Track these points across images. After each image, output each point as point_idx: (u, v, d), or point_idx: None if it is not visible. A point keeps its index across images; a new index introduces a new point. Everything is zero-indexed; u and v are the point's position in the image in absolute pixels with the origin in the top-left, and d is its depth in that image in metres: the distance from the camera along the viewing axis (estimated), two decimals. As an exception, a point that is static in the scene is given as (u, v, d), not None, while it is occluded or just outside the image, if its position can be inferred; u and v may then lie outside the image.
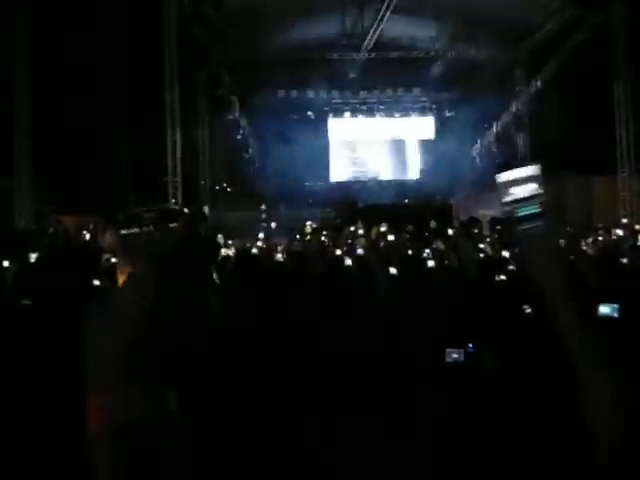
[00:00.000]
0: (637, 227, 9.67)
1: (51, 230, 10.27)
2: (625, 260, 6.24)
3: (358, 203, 14.70)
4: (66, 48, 11.80)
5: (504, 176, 1.28)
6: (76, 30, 11.93)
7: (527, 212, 1.24)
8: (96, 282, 5.20)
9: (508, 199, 1.26)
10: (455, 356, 3.09)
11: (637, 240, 8.65)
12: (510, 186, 1.27)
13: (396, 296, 5.07)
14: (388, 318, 4.15)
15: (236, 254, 7.13)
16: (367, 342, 3.65)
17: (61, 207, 12.35)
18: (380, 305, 4.62)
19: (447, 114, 18.33)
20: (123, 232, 1.69)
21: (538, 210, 1.23)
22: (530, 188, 1.26)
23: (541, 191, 1.25)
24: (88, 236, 9.71)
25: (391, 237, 8.76)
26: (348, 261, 5.47)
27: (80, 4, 11.57)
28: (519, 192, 1.26)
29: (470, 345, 3.15)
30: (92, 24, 12.17)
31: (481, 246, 8.34)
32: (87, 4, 11.74)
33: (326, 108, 18.23)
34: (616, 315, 3.14)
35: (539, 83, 15.37)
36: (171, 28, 11.27)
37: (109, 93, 13.01)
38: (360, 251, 7.34)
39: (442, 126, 18.26)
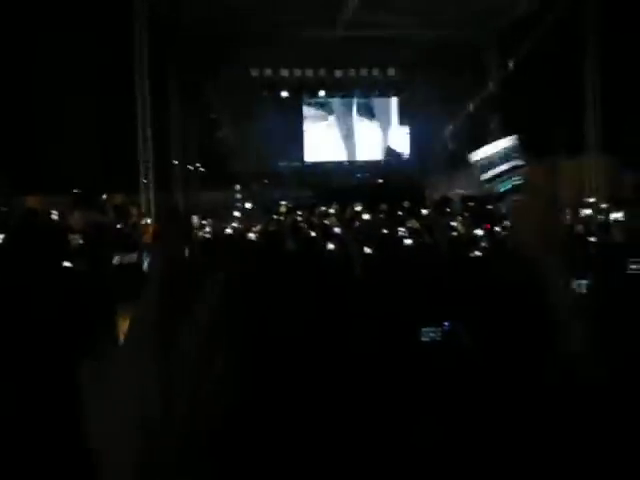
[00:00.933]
0: (603, 205, 9.95)
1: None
2: (593, 238, 6.47)
3: (332, 183, 14.72)
4: (37, 31, 11.37)
5: (480, 152, 1.26)
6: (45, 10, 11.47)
7: (509, 186, 1.22)
8: (66, 264, 5.15)
9: (488, 175, 1.24)
10: (432, 335, 3.16)
11: (604, 218, 8.93)
12: (487, 162, 1.25)
13: (372, 274, 5.14)
14: (364, 297, 4.22)
15: (213, 235, 7.11)
16: (344, 321, 3.70)
17: (25, 186, 11.99)
18: (356, 284, 4.68)
19: (419, 94, 18.36)
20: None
21: (520, 182, 1.21)
22: (509, 161, 1.24)
23: (521, 162, 1.23)
24: (56, 216, 9.45)
25: (366, 216, 8.84)
26: (328, 244, 5.53)
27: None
28: (498, 166, 1.24)
29: (446, 323, 3.22)
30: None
31: (453, 224, 8.49)
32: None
33: (300, 87, 18.03)
34: (584, 291, 3.29)
35: (510, 65, 15.51)
36: (142, 8, 10.95)
37: (78, 73, 12.60)
38: (336, 229, 7.40)
39: (414, 106, 18.30)
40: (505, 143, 1.26)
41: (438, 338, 3.10)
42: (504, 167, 1.24)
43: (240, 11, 13.84)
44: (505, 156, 1.25)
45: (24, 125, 11.72)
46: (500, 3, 13.71)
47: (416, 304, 4.22)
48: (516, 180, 1.22)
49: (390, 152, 18.76)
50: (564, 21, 12.80)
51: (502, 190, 1.23)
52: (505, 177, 1.23)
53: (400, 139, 18.61)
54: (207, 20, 13.66)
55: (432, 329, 3.18)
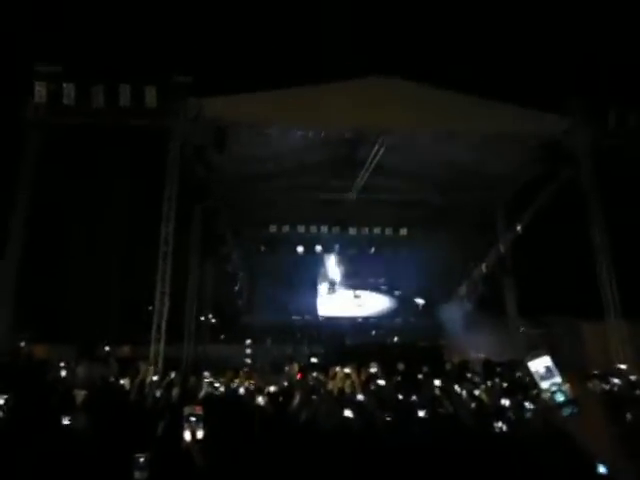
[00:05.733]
0: (632, 378, 9.43)
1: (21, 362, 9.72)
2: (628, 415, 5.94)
3: (346, 340, 14.40)
4: (69, 180, 12.28)
5: (538, 362, 1.38)
6: (80, 162, 12.51)
7: (562, 398, 1.33)
8: (66, 421, 4.82)
9: (547, 385, 1.36)
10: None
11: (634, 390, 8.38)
12: (545, 372, 1.37)
13: (388, 441, 4.76)
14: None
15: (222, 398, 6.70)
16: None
17: (35, 334, 11.88)
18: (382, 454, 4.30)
19: (431, 254, 18.83)
20: None
21: (570, 397, 1.32)
22: (558, 374, 1.37)
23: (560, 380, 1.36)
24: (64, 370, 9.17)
25: (382, 382, 8.39)
26: (346, 412, 5.17)
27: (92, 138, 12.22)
28: (554, 377, 1.36)
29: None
30: (98, 157, 12.79)
31: (476, 392, 7.98)
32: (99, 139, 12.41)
33: (316, 244, 18.69)
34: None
35: (519, 228, 16.07)
36: (174, 166, 11.85)
37: (104, 224, 13.28)
38: (360, 397, 7.01)
39: (427, 266, 18.64)
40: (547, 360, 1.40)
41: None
42: (558, 379, 1.35)
43: (263, 175, 15.00)
44: (554, 368, 1.38)
45: (39, 276, 11.99)
46: (506, 169, 14.61)
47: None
48: (565, 395, 1.34)
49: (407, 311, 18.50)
50: (569, 188, 13.45)
51: (559, 400, 1.34)
52: (560, 388, 1.35)
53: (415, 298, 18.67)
54: (232, 181, 14.71)
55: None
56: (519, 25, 17.56)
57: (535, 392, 6.55)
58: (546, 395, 1.37)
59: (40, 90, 11.23)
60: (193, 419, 2.96)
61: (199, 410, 3.01)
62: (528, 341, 13.79)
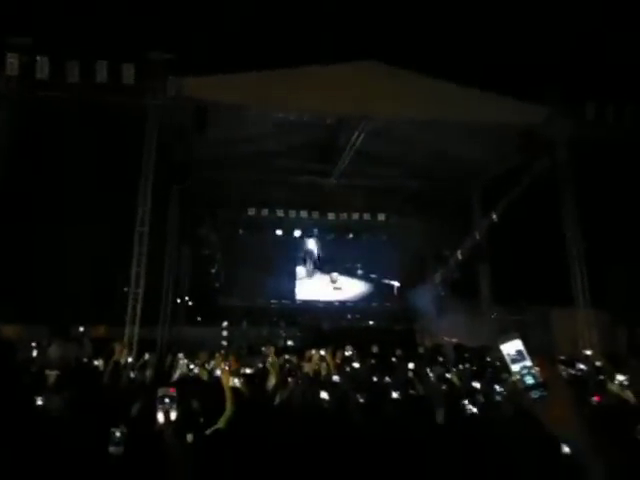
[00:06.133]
0: (597, 364, 9.75)
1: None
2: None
3: (322, 323, 14.53)
4: (41, 157, 11.97)
5: (510, 345, 1.41)
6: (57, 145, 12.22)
7: (532, 380, 1.37)
8: (39, 402, 4.78)
9: (517, 367, 1.39)
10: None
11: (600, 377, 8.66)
12: (517, 355, 1.40)
13: (365, 427, 4.85)
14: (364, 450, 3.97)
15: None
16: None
17: (5, 314, 11.64)
18: (356, 435, 4.40)
19: (408, 240, 19.03)
20: None
21: (539, 380, 1.36)
22: (529, 357, 1.40)
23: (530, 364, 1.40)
24: (35, 350, 9.05)
25: (356, 364, 8.53)
26: (323, 394, 5.26)
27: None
28: (525, 361, 1.40)
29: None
30: (72, 133, 12.49)
31: (448, 375, 8.17)
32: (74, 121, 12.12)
33: (295, 228, 18.72)
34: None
35: (495, 216, 16.32)
36: (151, 145, 11.66)
37: (79, 203, 13.03)
38: (335, 378, 7.14)
39: (402, 250, 18.86)
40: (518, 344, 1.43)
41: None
42: (528, 362, 1.39)
43: (242, 157, 14.89)
44: (524, 352, 1.41)
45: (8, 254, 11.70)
46: (484, 157, 14.80)
47: (411, 462, 3.93)
48: (537, 375, 1.37)
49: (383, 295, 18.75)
50: (545, 175, 13.69)
51: (529, 382, 1.38)
52: (530, 371, 1.38)
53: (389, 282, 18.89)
54: (211, 162, 14.56)
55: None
56: (499, 14, 17.65)
57: (505, 375, 6.76)
58: (516, 377, 1.40)
59: (12, 62, 10.86)
60: (167, 400, 2.98)
61: (173, 391, 3.02)
62: (500, 326, 14.13)
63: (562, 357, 10.93)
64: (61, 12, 14.10)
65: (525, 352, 1.42)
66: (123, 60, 11.13)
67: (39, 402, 4.77)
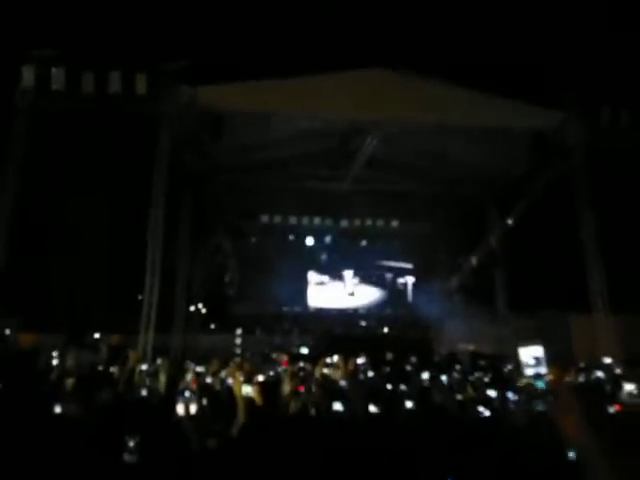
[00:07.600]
0: (617, 371, 9.51)
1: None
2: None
3: (336, 331, 14.46)
4: (57, 167, 12.12)
5: (529, 351, 1.46)
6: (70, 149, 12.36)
7: (541, 388, 1.39)
8: (57, 409, 4.83)
9: (532, 372, 1.44)
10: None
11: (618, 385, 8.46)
12: (535, 362, 1.45)
13: (376, 433, 4.85)
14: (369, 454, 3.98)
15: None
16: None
17: (21, 323, 11.78)
18: (360, 442, 4.38)
19: (422, 246, 18.90)
20: None
21: (548, 388, 1.37)
22: (543, 364, 1.42)
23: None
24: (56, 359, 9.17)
25: (371, 373, 8.46)
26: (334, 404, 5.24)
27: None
28: (540, 367, 1.44)
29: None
30: (87, 143, 12.63)
31: (463, 384, 8.05)
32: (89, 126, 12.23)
33: (308, 234, 18.67)
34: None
35: (510, 221, 16.14)
36: (163, 154, 11.72)
37: (93, 212, 13.16)
38: (343, 383, 7.08)
39: (418, 258, 18.72)
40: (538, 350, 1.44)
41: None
42: (543, 370, 1.40)
43: (255, 164, 14.95)
44: (543, 359, 1.41)
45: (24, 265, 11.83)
46: (499, 163, 14.63)
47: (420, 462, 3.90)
48: (547, 383, 1.39)
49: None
50: (560, 180, 13.49)
51: (539, 388, 1.39)
52: (542, 378, 1.39)
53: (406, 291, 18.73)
54: (224, 170, 14.65)
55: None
56: (514, 19, 17.54)
57: (519, 379, 6.63)
58: (528, 381, 1.46)
59: (28, 74, 11.03)
60: (187, 394, 2.97)
61: (194, 385, 3.01)
62: (517, 334, 13.92)
63: (581, 364, 10.70)
64: (75, 24, 14.34)
65: (543, 360, 1.46)
66: (136, 69, 11.25)
67: (57, 409, 4.82)
